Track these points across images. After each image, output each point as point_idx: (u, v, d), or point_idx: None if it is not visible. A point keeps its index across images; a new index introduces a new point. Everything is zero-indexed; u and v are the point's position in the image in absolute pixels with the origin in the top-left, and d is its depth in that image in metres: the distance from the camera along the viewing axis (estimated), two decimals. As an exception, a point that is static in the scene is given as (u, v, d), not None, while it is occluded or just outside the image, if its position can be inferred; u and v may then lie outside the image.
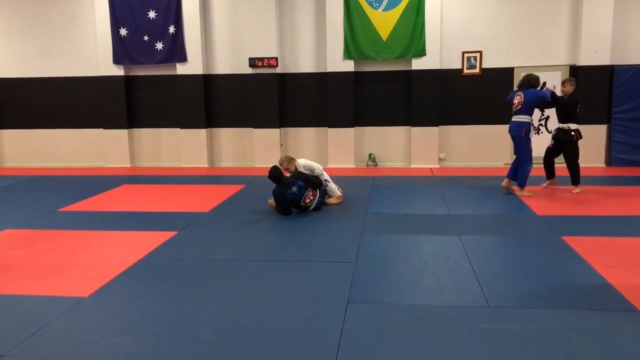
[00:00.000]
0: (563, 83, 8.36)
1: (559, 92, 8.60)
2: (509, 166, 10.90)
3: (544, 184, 8.69)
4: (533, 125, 8.34)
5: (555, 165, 8.67)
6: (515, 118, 8.22)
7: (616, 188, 8.74)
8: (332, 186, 7.84)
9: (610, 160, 10.78)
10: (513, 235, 6.27)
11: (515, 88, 8.51)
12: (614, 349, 3.61)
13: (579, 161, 8.34)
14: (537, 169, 8.80)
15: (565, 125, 8.26)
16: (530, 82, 8.08)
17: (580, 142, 8.33)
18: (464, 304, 4.39)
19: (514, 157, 8.57)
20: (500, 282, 4.82)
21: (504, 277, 4.97)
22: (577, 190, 8.32)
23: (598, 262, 5.22)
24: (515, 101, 8.19)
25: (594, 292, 4.58)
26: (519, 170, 8.26)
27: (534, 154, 8.26)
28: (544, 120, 10.73)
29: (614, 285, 4.65)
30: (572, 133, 8.21)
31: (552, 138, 8.51)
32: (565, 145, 8.32)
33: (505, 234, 6.32)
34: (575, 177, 8.33)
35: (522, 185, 8.27)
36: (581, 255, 5.47)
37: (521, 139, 8.14)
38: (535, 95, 8.05)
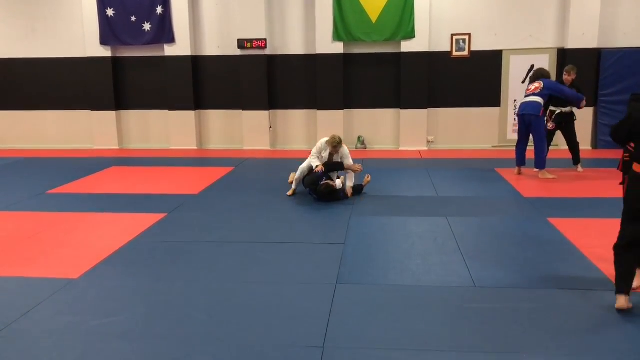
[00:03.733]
0: (568, 72, 8.47)
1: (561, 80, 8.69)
2: (498, 148, 11.07)
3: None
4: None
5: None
6: (530, 98, 8.23)
7: (602, 170, 8.84)
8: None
9: (596, 143, 10.89)
10: (499, 217, 6.35)
11: (527, 79, 8.70)
12: (598, 327, 3.70)
13: None
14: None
15: (566, 109, 8.45)
16: (545, 75, 8.40)
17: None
18: (451, 284, 4.46)
19: (517, 141, 8.60)
20: (487, 263, 4.90)
21: (490, 258, 5.05)
22: (581, 169, 8.60)
23: (582, 243, 5.32)
24: (533, 87, 8.30)
25: (578, 272, 4.68)
26: (538, 152, 8.27)
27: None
28: None
29: (598, 266, 4.75)
30: (575, 117, 8.55)
31: (552, 121, 8.60)
32: (567, 125, 8.53)
33: (491, 216, 6.40)
34: (578, 155, 8.62)
35: (544, 166, 8.30)
36: (566, 236, 5.57)
37: (539, 118, 8.19)
38: (558, 86, 8.26)
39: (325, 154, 7.38)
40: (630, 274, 3.96)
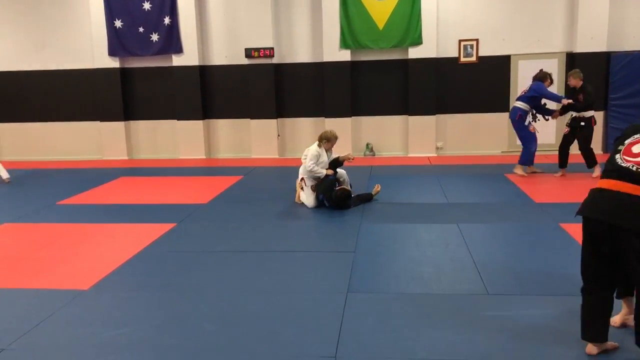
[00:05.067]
0: (569, 77, 8.57)
1: (563, 86, 8.80)
2: (507, 154, 11.04)
3: (557, 174, 8.71)
4: (533, 113, 8.79)
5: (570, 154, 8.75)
6: (515, 103, 8.81)
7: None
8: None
9: (607, 147, 10.79)
10: (511, 223, 6.30)
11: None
12: (614, 335, 3.63)
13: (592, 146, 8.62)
14: (553, 156, 9.12)
15: (579, 114, 8.43)
16: (538, 75, 8.62)
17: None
18: (463, 291, 4.41)
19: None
20: (499, 270, 4.84)
21: (502, 264, 4.99)
22: (596, 174, 8.41)
23: (596, 249, 5.24)
24: (522, 90, 8.81)
25: (592, 278, 4.60)
26: (523, 151, 8.80)
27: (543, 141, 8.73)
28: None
29: (612, 271, 4.68)
30: (584, 123, 8.41)
31: (567, 125, 8.65)
32: (579, 130, 8.48)
33: (503, 222, 6.34)
34: (589, 160, 8.54)
35: (521, 162, 8.82)
36: (579, 241, 5.48)
37: (516, 122, 8.74)
38: (540, 89, 8.46)
39: (325, 157, 7.33)
40: (595, 318, 3.38)
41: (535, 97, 8.56)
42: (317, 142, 7.41)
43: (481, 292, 4.37)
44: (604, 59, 10.52)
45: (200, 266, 5.19)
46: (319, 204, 7.19)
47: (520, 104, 8.67)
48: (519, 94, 8.89)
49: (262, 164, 10.81)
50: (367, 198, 7.38)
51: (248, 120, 11.68)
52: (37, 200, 8.08)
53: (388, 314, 4.03)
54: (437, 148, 11.30)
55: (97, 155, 12.20)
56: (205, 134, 11.86)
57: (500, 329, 3.75)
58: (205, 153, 11.85)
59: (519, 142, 10.89)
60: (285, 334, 3.77)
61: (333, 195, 6.97)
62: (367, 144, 11.50)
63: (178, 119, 11.80)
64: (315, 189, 7.20)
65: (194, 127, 11.74)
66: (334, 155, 7.45)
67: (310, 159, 7.23)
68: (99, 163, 11.63)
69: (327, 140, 7.35)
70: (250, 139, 11.72)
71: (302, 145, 11.64)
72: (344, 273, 4.85)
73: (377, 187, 7.59)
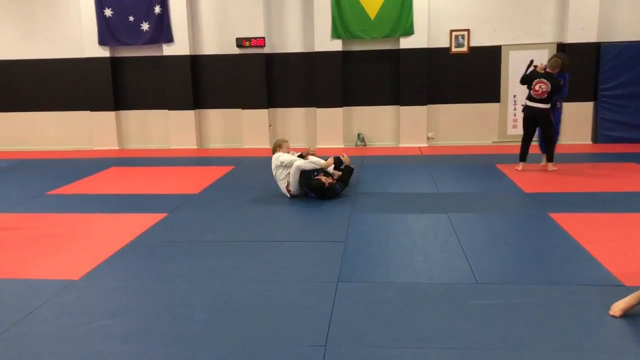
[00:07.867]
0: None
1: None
2: (498, 144, 11.09)
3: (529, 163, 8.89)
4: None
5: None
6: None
7: (602, 165, 8.82)
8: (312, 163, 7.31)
9: (596, 137, 10.86)
10: (500, 213, 6.34)
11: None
12: (600, 323, 3.68)
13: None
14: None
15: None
16: (561, 66, 8.34)
17: (567, 119, 8.44)
18: (452, 280, 4.44)
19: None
20: (488, 259, 4.88)
21: (491, 254, 5.03)
22: (549, 167, 8.43)
23: (584, 238, 5.30)
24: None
25: (580, 267, 4.65)
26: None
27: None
28: None
29: (600, 261, 4.73)
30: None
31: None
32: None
33: (492, 212, 6.38)
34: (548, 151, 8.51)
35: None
36: (568, 231, 5.54)
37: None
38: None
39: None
40: None
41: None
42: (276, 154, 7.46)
43: (470, 281, 4.40)
44: (594, 49, 10.55)
45: (191, 256, 5.19)
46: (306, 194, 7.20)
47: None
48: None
49: (253, 154, 10.80)
50: (348, 172, 7.47)
51: (239, 110, 11.65)
52: (27, 190, 8.04)
53: (378, 303, 4.06)
54: (428, 138, 11.33)
55: (88, 145, 12.14)
56: (197, 123, 11.82)
57: (489, 318, 3.79)
58: (196, 143, 11.82)
59: (510, 133, 11.04)
60: (275, 323, 3.79)
61: (311, 185, 6.96)
62: (359, 134, 11.51)
63: (169, 109, 11.75)
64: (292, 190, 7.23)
65: (185, 117, 11.70)
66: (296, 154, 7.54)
67: (292, 159, 7.18)
68: (89, 153, 11.58)
69: (279, 147, 7.53)
70: (241, 129, 11.70)
71: (294, 135, 11.66)
72: (334, 262, 4.87)
73: (345, 157, 7.63)
